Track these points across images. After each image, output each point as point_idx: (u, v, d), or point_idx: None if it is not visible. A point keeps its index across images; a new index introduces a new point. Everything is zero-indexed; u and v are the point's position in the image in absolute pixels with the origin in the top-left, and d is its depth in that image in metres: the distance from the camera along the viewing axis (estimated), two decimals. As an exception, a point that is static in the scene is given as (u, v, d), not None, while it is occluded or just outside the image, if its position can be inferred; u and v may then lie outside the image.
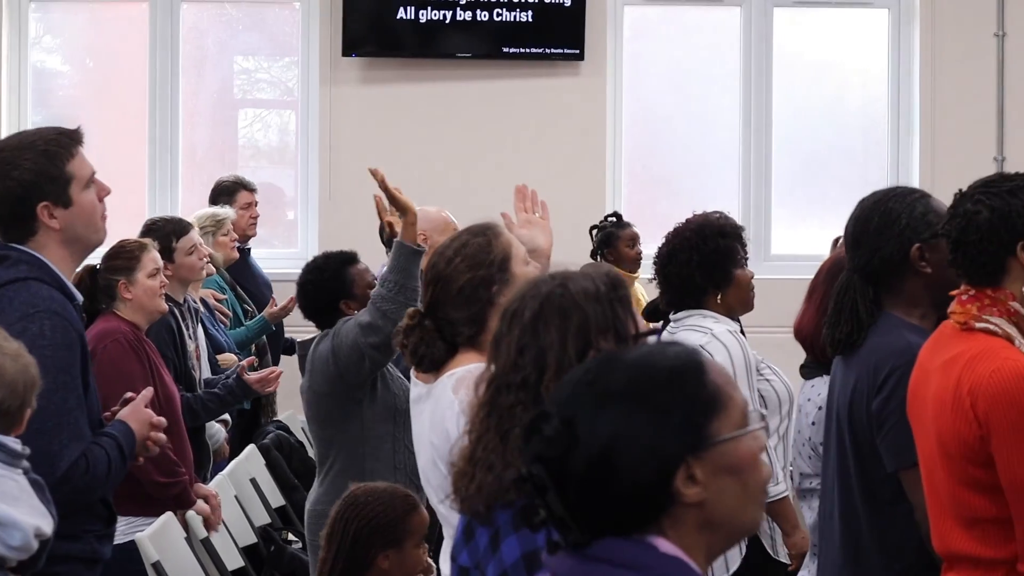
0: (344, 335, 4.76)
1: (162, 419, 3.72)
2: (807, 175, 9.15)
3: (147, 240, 5.54)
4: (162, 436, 3.70)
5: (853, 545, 3.53)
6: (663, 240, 4.64)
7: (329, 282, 5.06)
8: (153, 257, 5.36)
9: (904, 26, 9.04)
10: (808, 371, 4.26)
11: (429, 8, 8.62)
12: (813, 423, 4.18)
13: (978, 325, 3.14)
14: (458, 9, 8.64)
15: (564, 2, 8.64)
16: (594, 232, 7.73)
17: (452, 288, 3.29)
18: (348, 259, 5.14)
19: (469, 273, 3.32)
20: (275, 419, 7.33)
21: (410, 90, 8.76)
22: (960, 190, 3.26)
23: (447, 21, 8.64)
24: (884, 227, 3.48)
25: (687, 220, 4.68)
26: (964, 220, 3.16)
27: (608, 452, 1.84)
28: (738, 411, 1.91)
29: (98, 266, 5.23)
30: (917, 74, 8.96)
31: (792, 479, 4.45)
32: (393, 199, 4.62)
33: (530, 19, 8.64)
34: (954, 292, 3.23)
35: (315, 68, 8.76)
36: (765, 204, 9.04)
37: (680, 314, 4.59)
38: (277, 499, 6.55)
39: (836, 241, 7.51)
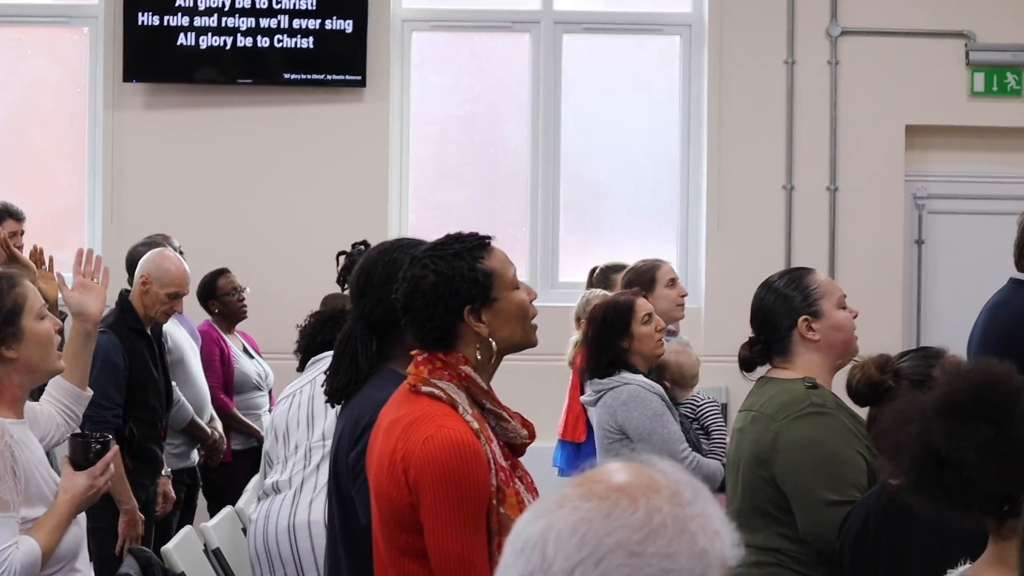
0: None
1: None
2: (596, 202, 9.10)
3: None
4: None
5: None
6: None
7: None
8: None
9: (695, 53, 8.99)
10: None
11: (210, 35, 8.59)
12: None
13: (424, 388, 3.07)
14: (239, 35, 8.60)
15: (345, 28, 8.60)
16: (341, 258, 7.67)
17: None
18: None
19: None
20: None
21: (192, 116, 8.73)
22: (412, 256, 3.21)
23: (228, 47, 8.60)
24: (388, 277, 3.47)
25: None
26: (411, 285, 3.10)
27: None
28: None
29: None
30: (706, 101, 8.96)
31: None
32: (15, 258, 4.81)
33: (311, 45, 8.60)
34: (413, 352, 3.21)
35: (100, 93, 8.74)
36: (553, 231, 9.01)
37: None
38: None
39: (592, 272, 7.52)
